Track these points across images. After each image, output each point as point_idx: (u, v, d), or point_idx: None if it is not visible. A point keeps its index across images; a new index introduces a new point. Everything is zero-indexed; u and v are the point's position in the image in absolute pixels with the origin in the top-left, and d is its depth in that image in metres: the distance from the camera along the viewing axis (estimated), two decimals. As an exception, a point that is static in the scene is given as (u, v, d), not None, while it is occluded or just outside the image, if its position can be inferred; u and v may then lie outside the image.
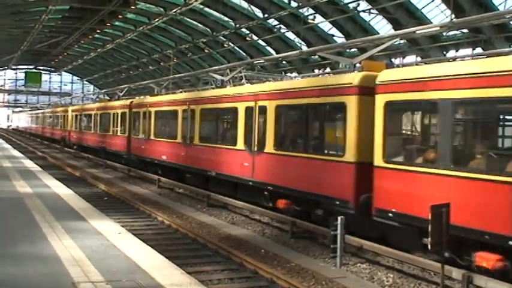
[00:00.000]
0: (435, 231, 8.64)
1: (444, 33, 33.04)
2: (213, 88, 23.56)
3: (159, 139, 24.63)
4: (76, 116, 43.26)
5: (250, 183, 16.35)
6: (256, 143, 16.15)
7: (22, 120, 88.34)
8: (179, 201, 19.37)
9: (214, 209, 17.67)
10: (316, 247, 12.66)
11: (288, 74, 43.53)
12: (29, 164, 24.81)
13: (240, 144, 17.05)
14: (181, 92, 27.53)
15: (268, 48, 49.53)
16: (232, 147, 17.56)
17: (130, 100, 30.25)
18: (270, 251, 12.16)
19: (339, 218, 10.92)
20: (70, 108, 46.88)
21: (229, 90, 19.41)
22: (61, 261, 7.82)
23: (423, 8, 35.02)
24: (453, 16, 27.39)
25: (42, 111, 66.27)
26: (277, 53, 42.80)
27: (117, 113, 31.37)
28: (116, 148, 31.47)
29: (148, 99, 27.91)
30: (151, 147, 25.38)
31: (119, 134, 31.03)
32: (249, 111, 16.69)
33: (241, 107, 17.15)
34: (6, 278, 7.03)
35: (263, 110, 15.90)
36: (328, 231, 11.45)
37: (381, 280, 10.32)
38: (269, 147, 15.46)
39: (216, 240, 12.83)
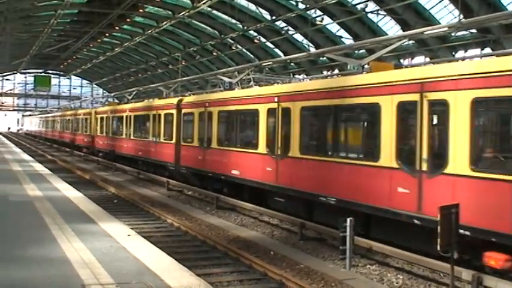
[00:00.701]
0: (444, 232, 8.60)
1: (453, 34, 32.94)
2: (221, 91, 22.97)
3: (227, 148, 18.96)
4: (102, 118, 37.54)
5: (415, 220, 10.77)
6: (427, 157, 10.63)
7: (34, 124, 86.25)
8: (188, 204, 19.41)
9: (223, 211, 17.68)
10: (326, 249, 12.64)
11: (296, 76, 43.54)
12: (39, 167, 24.91)
13: (387, 159, 11.53)
14: (264, 85, 20.80)
15: (276, 50, 49.61)
16: (370, 163, 12.03)
17: (179, 98, 24.86)
18: (279, 252, 12.15)
19: (348, 220, 10.90)
20: (94, 110, 41.43)
21: (359, 78, 13.19)
22: (71, 264, 7.86)
23: (431, 8, 34.97)
24: (461, 16, 27.31)
25: (58, 113, 61.02)
26: (285, 55, 42.85)
27: (159, 115, 25.90)
28: (158, 158, 25.98)
29: (209, 96, 22.15)
30: (214, 159, 19.86)
31: (161, 140, 25.50)
32: (403, 108, 11.35)
33: (384, 103, 11.70)
34: (15, 280, 7.06)
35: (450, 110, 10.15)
36: (337, 233, 11.42)
37: (391, 281, 10.29)
38: (459, 166, 9.81)
39: (225, 242, 12.84)
